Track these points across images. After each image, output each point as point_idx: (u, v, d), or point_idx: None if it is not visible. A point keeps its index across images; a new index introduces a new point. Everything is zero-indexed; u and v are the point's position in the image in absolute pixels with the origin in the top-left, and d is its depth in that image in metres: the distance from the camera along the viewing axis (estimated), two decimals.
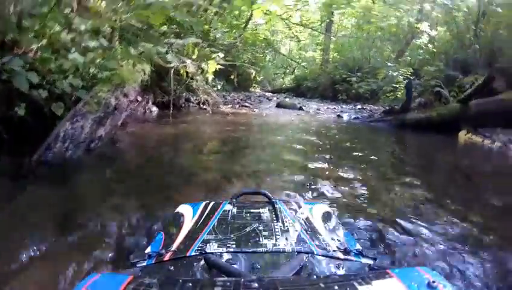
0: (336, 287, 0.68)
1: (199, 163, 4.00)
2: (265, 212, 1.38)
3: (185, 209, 1.48)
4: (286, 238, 1.17)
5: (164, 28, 6.05)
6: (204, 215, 1.37)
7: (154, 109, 7.08)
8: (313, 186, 3.10)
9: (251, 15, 10.83)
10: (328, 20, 16.93)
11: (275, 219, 1.31)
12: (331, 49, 17.49)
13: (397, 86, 10.79)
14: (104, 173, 3.27)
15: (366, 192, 3.11)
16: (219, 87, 12.41)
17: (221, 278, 0.86)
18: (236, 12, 10.89)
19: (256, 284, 0.70)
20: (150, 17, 4.42)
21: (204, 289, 0.71)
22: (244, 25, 11.29)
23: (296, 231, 1.24)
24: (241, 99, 11.86)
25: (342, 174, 3.62)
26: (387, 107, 9.16)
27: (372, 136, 7.01)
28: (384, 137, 6.93)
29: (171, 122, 6.35)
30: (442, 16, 12.19)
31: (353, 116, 9.30)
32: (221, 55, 8.32)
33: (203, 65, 7.77)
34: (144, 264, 1.09)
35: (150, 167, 3.68)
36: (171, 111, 6.73)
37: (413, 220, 2.47)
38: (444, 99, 7.20)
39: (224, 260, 1.05)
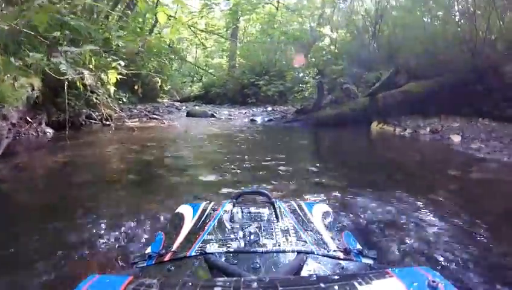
0: (336, 287, 0.68)
1: (100, 199, 3.02)
2: (265, 213, 1.37)
3: (185, 209, 1.47)
4: (286, 238, 1.16)
5: (57, 33, 5.23)
6: (205, 216, 1.36)
7: (49, 130, 6.09)
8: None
9: (155, 22, 10.35)
10: (233, 27, 17.20)
11: (274, 219, 1.31)
12: (237, 54, 17.87)
13: (304, 86, 11.33)
14: None
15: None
16: (124, 99, 11.53)
17: (221, 278, 0.87)
18: (140, 20, 10.32)
19: (256, 284, 0.70)
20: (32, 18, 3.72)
21: (204, 289, 0.70)
22: (149, 31, 10.72)
23: (296, 231, 1.23)
24: (149, 111, 11.22)
25: (272, 180, 3.50)
26: (298, 107, 9.59)
27: (290, 137, 7.16)
28: (301, 136, 7.16)
29: (68, 145, 5.34)
30: (342, 19, 13.30)
31: (266, 119, 9.50)
32: (122, 63, 7.70)
33: (103, 76, 7.11)
34: (144, 264, 1.09)
35: (36, 210, 2.77)
36: (67, 132, 5.87)
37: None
38: (353, 94, 7.75)
39: (224, 260, 1.04)
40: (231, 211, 1.37)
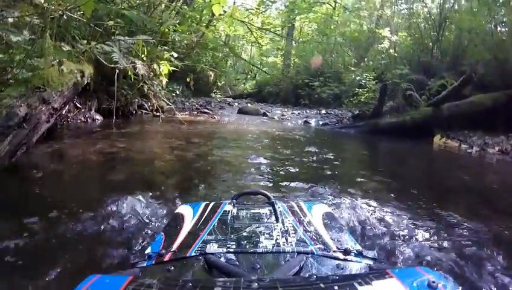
0: (336, 287, 0.66)
1: (131, 194, 2.45)
2: (265, 213, 1.36)
3: (185, 209, 1.45)
4: (286, 239, 1.15)
5: (110, 22, 5.11)
6: (205, 216, 1.35)
7: (98, 117, 6.03)
8: None
9: (212, 15, 10.20)
10: (289, 25, 16.78)
11: (274, 219, 1.29)
12: (292, 54, 17.35)
13: (360, 90, 10.55)
14: None
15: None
16: (178, 92, 11.58)
17: (221, 279, 0.87)
18: (197, 16, 10.22)
19: (256, 285, 0.68)
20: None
21: (204, 289, 0.70)
22: (205, 26, 10.59)
23: (296, 231, 1.22)
24: (201, 105, 11.11)
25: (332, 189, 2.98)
26: (356, 112, 8.83)
27: (345, 144, 6.56)
28: (357, 144, 6.54)
29: (114, 133, 5.23)
30: (403, 21, 12.30)
31: (321, 122, 8.90)
32: (175, 54, 7.55)
33: (155, 66, 6.99)
34: (144, 264, 1.06)
35: (57, 201, 2.41)
36: (114, 120, 5.74)
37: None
38: (415, 102, 6.90)
39: (224, 260, 1.01)
40: (231, 211, 1.36)
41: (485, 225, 2.36)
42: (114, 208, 2.19)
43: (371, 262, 1.08)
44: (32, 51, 3.54)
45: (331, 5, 15.35)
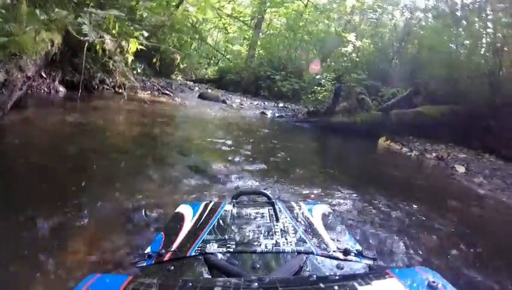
0: (336, 287, 0.68)
1: (101, 169, 3.09)
2: (265, 213, 1.39)
3: (185, 209, 1.48)
4: (286, 239, 1.17)
5: None
6: (205, 216, 1.37)
7: (62, 89, 6.13)
8: None
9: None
10: (259, 16, 17.11)
11: (274, 219, 1.32)
12: (258, 45, 17.79)
13: (319, 88, 11.31)
14: None
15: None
16: (139, 70, 11.57)
17: (221, 278, 0.88)
18: None
19: (256, 284, 0.71)
20: None
21: (204, 289, 0.71)
22: (176, 6, 10.68)
23: (296, 231, 1.24)
24: (162, 86, 11.19)
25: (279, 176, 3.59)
26: (310, 108, 9.63)
27: (297, 136, 7.24)
28: (308, 138, 7.25)
29: (78, 107, 5.48)
30: (369, 29, 13.23)
31: (277, 115, 9.54)
32: (145, 34, 7.72)
33: (124, 43, 7.12)
34: (144, 264, 1.09)
35: (33, 172, 2.79)
36: (80, 94, 5.94)
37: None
38: (366, 106, 7.75)
39: (224, 260, 1.06)
40: (231, 211, 1.39)
41: (402, 210, 3.21)
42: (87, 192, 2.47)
43: (370, 262, 1.12)
44: (10, 15, 3.71)
45: (303, 2, 15.95)
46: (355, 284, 0.69)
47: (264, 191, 1.64)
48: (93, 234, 2.02)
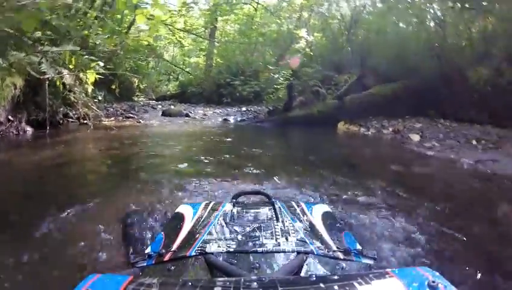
0: (336, 287, 0.70)
1: (81, 195, 3.23)
2: (265, 213, 1.41)
3: (185, 209, 1.51)
4: (286, 239, 1.18)
5: (38, 34, 5.49)
6: (205, 216, 1.40)
7: (29, 128, 6.32)
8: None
9: (133, 20, 10.60)
10: (211, 26, 17.49)
11: (274, 219, 1.34)
12: (215, 54, 18.17)
13: (278, 87, 11.87)
14: None
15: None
16: (100, 98, 11.69)
17: (221, 278, 0.91)
18: (119, 16, 10.50)
19: (256, 284, 0.72)
20: (22, 22, 4.01)
21: (204, 289, 0.73)
22: (126, 30, 10.93)
23: (296, 231, 1.25)
24: (125, 110, 11.41)
25: (234, 173, 4.03)
26: (270, 108, 10.22)
27: (257, 136, 7.84)
28: (269, 135, 7.86)
29: (48, 143, 5.76)
30: (319, 23, 13.94)
31: (239, 119, 10.11)
32: (101, 64, 7.96)
33: (82, 75, 7.36)
34: (144, 264, 1.11)
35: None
36: (48, 130, 6.18)
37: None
38: (322, 96, 8.38)
39: (224, 260, 1.09)
40: (231, 211, 1.40)
41: (354, 179, 3.85)
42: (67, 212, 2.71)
43: (371, 262, 1.13)
44: None
45: (253, 6, 16.47)
46: (355, 284, 0.71)
47: (264, 191, 1.68)
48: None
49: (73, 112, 7.96)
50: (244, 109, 12.35)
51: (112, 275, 0.80)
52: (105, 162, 4.85)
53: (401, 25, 10.17)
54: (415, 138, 6.41)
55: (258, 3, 15.90)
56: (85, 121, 7.92)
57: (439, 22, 8.91)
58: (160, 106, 13.50)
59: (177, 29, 15.56)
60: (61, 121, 7.48)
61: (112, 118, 9.62)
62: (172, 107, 13.10)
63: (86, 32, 8.43)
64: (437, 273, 0.77)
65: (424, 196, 3.37)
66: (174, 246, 1.17)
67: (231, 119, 10.02)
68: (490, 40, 7.88)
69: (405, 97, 8.03)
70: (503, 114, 6.62)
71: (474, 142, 6.01)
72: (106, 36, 8.78)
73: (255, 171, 4.10)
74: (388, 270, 0.79)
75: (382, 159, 5.32)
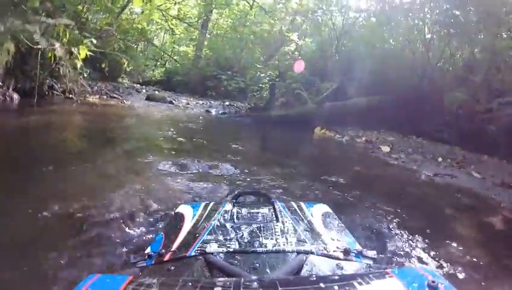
0: (336, 287, 0.70)
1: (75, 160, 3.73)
2: (265, 213, 1.43)
3: (185, 209, 1.53)
4: (286, 239, 1.19)
5: (36, 4, 5.73)
6: (205, 216, 1.42)
7: (16, 96, 6.58)
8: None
9: (128, 1, 10.81)
10: (205, 17, 17.70)
11: (274, 219, 1.36)
12: (205, 46, 18.43)
13: (263, 86, 12.38)
14: None
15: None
16: (85, 75, 11.81)
17: (221, 278, 0.92)
18: None
19: (256, 284, 0.73)
20: None
21: (204, 289, 0.73)
22: (120, 10, 11.13)
23: (296, 231, 1.26)
24: (109, 90, 11.59)
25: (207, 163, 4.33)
26: (252, 105, 10.79)
27: (237, 129, 8.34)
28: (247, 130, 8.38)
29: (35, 112, 6.06)
30: (311, 29, 14.45)
31: (220, 112, 10.59)
32: (94, 41, 8.20)
33: (73, 50, 7.59)
34: (144, 264, 1.12)
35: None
36: (35, 100, 6.45)
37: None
38: (303, 100, 8.91)
39: (224, 260, 1.11)
40: (231, 211, 1.42)
41: (321, 180, 4.32)
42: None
43: (370, 262, 1.15)
44: None
45: (248, 3, 16.78)
46: (355, 284, 0.71)
47: (264, 191, 1.76)
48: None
49: (59, 85, 8.18)
50: (227, 103, 12.76)
51: (111, 275, 0.82)
52: (90, 135, 5.30)
53: (390, 41, 10.77)
54: (385, 149, 6.95)
55: (254, 0, 16.24)
56: (70, 96, 8.16)
57: (426, 44, 9.49)
58: (144, 90, 13.81)
59: (171, 16, 15.73)
60: (47, 93, 7.73)
61: (97, 96, 9.90)
62: (156, 92, 13.40)
63: (80, 7, 8.64)
64: (437, 273, 0.79)
65: (376, 193, 3.89)
66: (174, 246, 1.19)
67: (213, 111, 10.50)
68: (471, 68, 8.40)
69: (382, 111, 8.51)
70: (472, 138, 7.05)
71: (439, 159, 6.46)
72: (102, 15, 8.96)
73: (220, 157, 4.56)
74: (388, 270, 0.81)
75: (349, 161, 5.87)
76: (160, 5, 14.18)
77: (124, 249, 2.04)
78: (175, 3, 15.35)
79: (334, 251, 1.15)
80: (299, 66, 12.06)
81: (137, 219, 2.42)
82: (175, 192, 3.11)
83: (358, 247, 1.22)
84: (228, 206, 1.47)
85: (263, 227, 1.27)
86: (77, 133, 5.34)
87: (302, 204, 1.60)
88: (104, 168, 3.48)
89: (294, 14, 15.53)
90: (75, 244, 2.06)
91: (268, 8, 15.89)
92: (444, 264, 2.36)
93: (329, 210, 1.60)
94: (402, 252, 2.46)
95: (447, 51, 9.10)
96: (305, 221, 1.40)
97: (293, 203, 1.61)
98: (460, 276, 2.24)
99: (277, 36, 15.35)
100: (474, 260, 2.49)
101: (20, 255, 1.87)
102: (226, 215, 1.38)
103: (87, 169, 3.38)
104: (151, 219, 2.46)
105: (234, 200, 1.57)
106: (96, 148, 4.45)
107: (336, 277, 0.79)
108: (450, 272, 2.26)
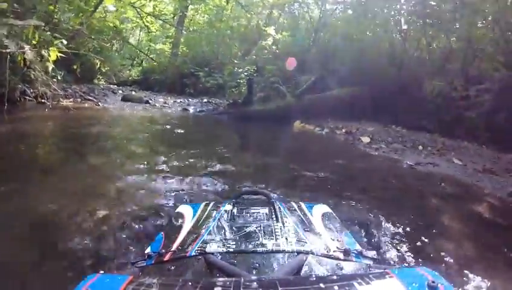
0: (336, 287, 0.71)
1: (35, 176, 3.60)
2: (265, 213, 1.44)
3: (185, 209, 1.55)
4: (286, 239, 1.20)
5: (4, 5, 5.55)
6: (205, 216, 1.44)
7: None
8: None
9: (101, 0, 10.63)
10: (181, 14, 17.53)
11: (274, 219, 1.37)
12: (181, 43, 18.29)
13: (241, 81, 12.36)
14: None
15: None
16: (59, 78, 11.55)
17: (221, 278, 0.93)
18: None
19: (256, 284, 0.73)
20: None
21: (204, 289, 0.74)
22: (92, 9, 10.91)
23: (296, 231, 1.27)
24: (84, 92, 11.33)
25: (180, 164, 4.35)
26: (230, 101, 10.73)
27: (214, 127, 8.39)
28: (225, 127, 8.49)
29: (6, 120, 5.86)
30: (288, 22, 14.49)
31: (198, 109, 10.55)
32: (65, 42, 8.01)
33: (44, 52, 7.39)
34: (144, 264, 1.14)
35: None
36: (6, 107, 6.25)
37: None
38: (281, 94, 8.96)
39: (224, 260, 1.12)
40: (231, 211, 1.43)
41: (302, 169, 4.41)
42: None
43: (370, 262, 1.15)
44: None
45: None
46: (355, 284, 0.72)
47: (264, 191, 1.76)
48: None
49: (31, 90, 7.95)
50: (205, 100, 12.72)
51: (111, 275, 0.82)
52: (60, 142, 5.27)
53: (367, 33, 10.89)
54: (366, 139, 7.05)
55: None
56: (43, 100, 7.97)
57: (403, 34, 9.65)
58: (121, 91, 13.60)
59: (145, 13, 15.51)
60: (18, 99, 7.48)
61: (71, 99, 9.66)
62: (133, 93, 13.28)
63: (51, 7, 8.42)
64: (437, 274, 0.79)
65: (359, 187, 3.94)
66: (174, 246, 1.19)
67: (191, 110, 10.45)
68: (448, 56, 8.64)
69: (362, 102, 8.64)
70: (451, 125, 7.29)
71: (420, 147, 6.60)
72: (72, 14, 8.75)
73: (196, 158, 4.54)
74: (388, 270, 0.82)
75: (329, 153, 5.96)
76: (135, 2, 13.95)
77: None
78: (150, 0, 15.10)
79: (334, 251, 1.16)
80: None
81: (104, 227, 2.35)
82: (150, 197, 3.09)
83: (358, 247, 1.23)
84: (228, 206, 1.48)
85: (263, 227, 1.28)
86: (47, 142, 5.19)
87: (302, 204, 1.62)
88: (65, 181, 3.41)
89: (271, 7, 15.57)
90: (75, 244, 2.05)
91: (245, 2, 15.87)
92: (433, 257, 2.37)
93: (329, 210, 1.62)
94: (389, 248, 2.45)
95: (424, 41, 9.26)
96: (305, 221, 1.42)
97: (293, 203, 1.63)
98: (451, 269, 2.23)
99: (254, 31, 15.34)
100: (463, 250, 2.53)
101: (20, 255, 1.90)
102: (226, 215, 1.40)
103: (52, 181, 3.38)
104: (124, 224, 2.40)
105: (234, 200, 1.59)
106: (64, 157, 4.42)
107: (336, 277, 0.80)
108: (441, 265, 2.25)
